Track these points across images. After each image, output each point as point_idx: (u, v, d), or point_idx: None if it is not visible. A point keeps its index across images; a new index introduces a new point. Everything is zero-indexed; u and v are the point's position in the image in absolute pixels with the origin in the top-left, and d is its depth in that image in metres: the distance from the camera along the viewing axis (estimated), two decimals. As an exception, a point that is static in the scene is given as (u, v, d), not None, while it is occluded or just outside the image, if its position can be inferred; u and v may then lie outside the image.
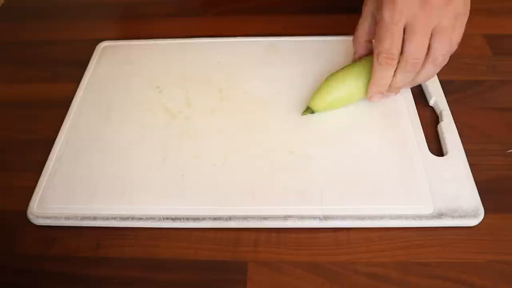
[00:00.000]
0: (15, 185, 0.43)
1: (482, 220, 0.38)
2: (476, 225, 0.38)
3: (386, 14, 0.38)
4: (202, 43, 0.55)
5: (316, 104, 0.45)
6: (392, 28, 0.38)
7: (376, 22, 0.40)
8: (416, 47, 0.38)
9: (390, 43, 0.39)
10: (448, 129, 0.44)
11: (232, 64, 0.52)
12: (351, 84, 0.44)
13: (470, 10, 0.60)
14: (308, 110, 0.45)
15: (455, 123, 0.44)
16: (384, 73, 0.41)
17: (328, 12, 0.59)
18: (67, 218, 0.39)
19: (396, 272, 0.36)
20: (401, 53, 0.39)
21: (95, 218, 0.39)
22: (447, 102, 0.46)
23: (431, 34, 0.38)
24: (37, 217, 0.40)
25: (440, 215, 0.38)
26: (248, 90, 0.49)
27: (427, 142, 0.43)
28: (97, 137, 0.45)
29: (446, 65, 0.51)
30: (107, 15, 0.62)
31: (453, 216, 0.38)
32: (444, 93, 0.47)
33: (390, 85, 0.42)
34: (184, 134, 0.45)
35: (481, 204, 0.38)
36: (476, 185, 0.39)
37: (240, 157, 0.43)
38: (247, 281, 0.36)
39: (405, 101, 0.46)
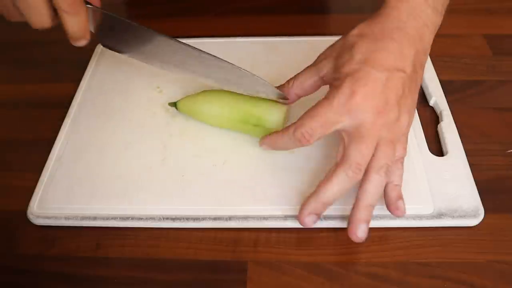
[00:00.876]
0: (15, 185, 0.43)
1: (482, 220, 0.38)
2: (476, 225, 0.38)
3: (336, 101, 0.35)
4: (202, 43, 0.55)
5: (180, 103, 0.45)
6: (332, 119, 0.35)
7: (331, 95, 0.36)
8: (360, 152, 0.35)
9: (317, 126, 0.36)
10: (448, 129, 0.44)
11: (232, 64, 0.52)
12: (223, 109, 0.43)
13: (470, 10, 0.60)
14: (173, 104, 0.45)
15: (455, 123, 0.44)
16: (289, 141, 0.37)
17: (328, 12, 0.59)
18: (67, 218, 0.39)
19: (396, 272, 0.36)
20: (342, 157, 0.36)
21: (95, 218, 0.39)
22: (447, 102, 0.46)
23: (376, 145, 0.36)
24: (37, 217, 0.40)
25: (440, 215, 0.38)
26: (248, 90, 0.49)
27: (427, 142, 0.43)
28: (97, 137, 0.45)
29: (446, 64, 0.51)
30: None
31: (453, 216, 0.38)
32: (444, 93, 0.47)
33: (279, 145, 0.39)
34: (184, 134, 0.45)
35: (481, 204, 0.38)
36: (476, 185, 0.39)
37: (240, 157, 0.43)
38: (247, 281, 0.36)
39: (405, 101, 0.46)
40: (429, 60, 0.50)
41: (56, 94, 0.51)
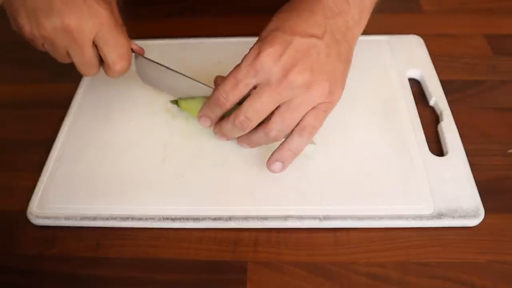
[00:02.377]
0: (15, 185, 0.43)
1: (482, 220, 0.38)
2: (476, 225, 0.38)
3: (244, 63, 0.36)
4: (202, 43, 0.55)
5: (182, 101, 0.45)
6: (241, 79, 0.36)
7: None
8: (252, 108, 0.36)
9: (229, 89, 0.37)
10: (448, 129, 0.44)
11: (232, 64, 0.51)
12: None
13: (471, 10, 0.60)
14: (175, 102, 0.46)
15: (455, 123, 0.44)
16: (213, 107, 0.39)
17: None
18: (67, 218, 0.39)
19: (396, 272, 0.36)
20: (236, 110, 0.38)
21: (95, 218, 0.39)
22: (447, 102, 0.46)
23: (277, 107, 0.37)
24: (37, 217, 0.40)
25: (440, 215, 0.38)
26: (248, 90, 0.49)
27: (427, 142, 0.43)
28: (97, 137, 0.45)
29: (446, 65, 0.51)
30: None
31: (453, 216, 0.38)
32: (444, 93, 0.47)
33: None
34: (184, 134, 0.45)
35: (481, 204, 0.38)
36: (476, 185, 0.39)
37: (240, 157, 0.43)
38: (247, 281, 0.36)
39: (405, 101, 0.46)
40: (429, 60, 0.50)
41: (56, 94, 0.51)
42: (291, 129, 0.38)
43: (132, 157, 0.43)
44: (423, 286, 0.35)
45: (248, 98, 0.37)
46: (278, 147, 0.39)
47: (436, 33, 0.55)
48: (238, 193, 0.40)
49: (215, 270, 0.37)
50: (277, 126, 0.37)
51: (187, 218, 0.39)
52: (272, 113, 0.37)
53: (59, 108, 0.48)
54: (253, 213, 0.39)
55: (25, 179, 0.43)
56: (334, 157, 0.42)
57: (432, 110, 0.47)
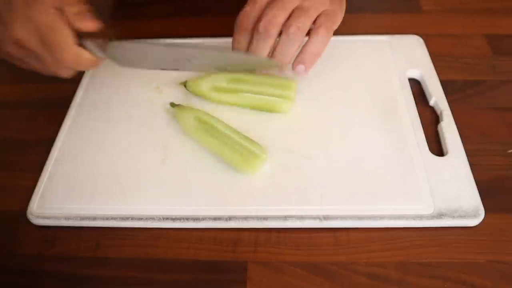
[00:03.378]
0: (15, 185, 0.43)
1: (482, 220, 0.38)
2: (476, 225, 0.38)
3: None
4: (202, 43, 0.55)
5: (190, 82, 0.47)
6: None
7: None
8: (271, 14, 0.40)
9: (248, 10, 0.41)
10: (448, 129, 0.44)
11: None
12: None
13: (471, 10, 0.60)
14: (174, 105, 0.46)
15: (455, 123, 0.44)
16: (238, 35, 0.43)
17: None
18: (67, 218, 0.39)
19: (396, 272, 0.36)
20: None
21: (95, 218, 0.39)
22: (447, 102, 0.46)
23: (292, 11, 0.41)
24: (37, 217, 0.40)
25: (440, 215, 0.38)
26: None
27: (427, 142, 0.43)
28: (97, 137, 0.45)
29: (446, 65, 0.51)
30: (107, 15, 0.62)
31: (453, 216, 0.38)
32: (444, 93, 0.47)
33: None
34: (184, 134, 0.45)
35: (481, 204, 0.38)
36: (476, 185, 0.39)
37: (240, 157, 0.43)
38: (247, 281, 0.36)
39: (405, 101, 0.46)
40: (429, 60, 0.50)
41: (56, 94, 0.51)
42: (307, 27, 0.41)
43: (132, 157, 0.43)
44: (423, 286, 0.35)
45: (265, 9, 0.41)
46: (300, 50, 0.43)
47: (436, 33, 0.55)
48: (238, 193, 0.40)
49: (215, 270, 0.37)
50: (294, 21, 0.40)
51: (187, 218, 0.39)
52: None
53: (59, 108, 0.48)
54: (253, 213, 0.39)
55: (25, 179, 0.43)
56: (334, 157, 0.42)
57: (432, 110, 0.47)
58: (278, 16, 0.40)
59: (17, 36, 0.38)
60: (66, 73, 0.42)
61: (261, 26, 0.40)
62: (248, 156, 0.40)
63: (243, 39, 0.43)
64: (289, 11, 0.41)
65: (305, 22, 0.41)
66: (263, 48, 0.42)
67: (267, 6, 0.41)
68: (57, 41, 0.38)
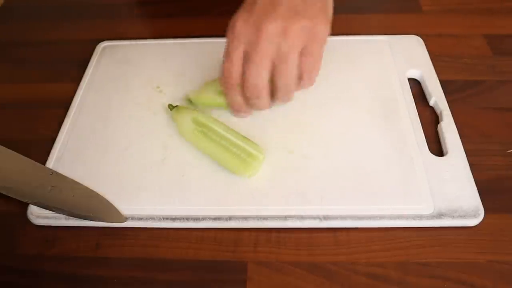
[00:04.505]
0: (15, 185, 0.43)
1: (482, 220, 0.38)
2: (476, 225, 0.38)
3: (228, 39, 0.38)
4: (202, 43, 0.55)
5: (194, 96, 0.47)
6: (231, 53, 0.38)
7: None
8: (251, 75, 0.37)
9: (228, 67, 0.38)
10: (448, 129, 0.44)
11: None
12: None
13: (470, 10, 0.60)
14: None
15: (455, 123, 0.44)
16: (230, 95, 0.40)
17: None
18: (67, 218, 0.39)
19: (396, 272, 0.36)
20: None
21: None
22: (447, 102, 0.46)
23: (273, 66, 0.37)
24: (37, 217, 0.40)
25: (440, 215, 0.38)
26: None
27: (427, 142, 0.43)
28: (97, 137, 0.45)
29: (446, 65, 0.51)
30: (107, 15, 0.62)
31: (453, 216, 0.38)
32: (444, 93, 0.47)
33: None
34: (184, 134, 0.45)
35: (481, 204, 0.38)
36: (476, 185, 0.39)
37: (240, 157, 0.43)
38: (247, 281, 0.36)
39: (405, 101, 0.46)
40: (429, 60, 0.50)
41: (56, 94, 0.51)
42: (295, 76, 0.39)
43: (132, 157, 0.43)
44: (423, 286, 0.35)
45: (244, 68, 0.38)
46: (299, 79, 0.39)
47: (436, 33, 0.55)
48: (238, 193, 0.40)
49: (215, 270, 0.37)
50: (281, 81, 0.38)
51: (187, 218, 0.39)
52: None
53: (59, 108, 0.48)
54: (253, 213, 0.39)
55: (25, 179, 0.43)
56: (334, 157, 0.42)
57: (432, 110, 0.47)
58: (259, 76, 0.38)
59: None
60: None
61: (249, 91, 0.39)
62: (245, 159, 0.40)
63: (238, 97, 0.40)
64: (269, 65, 0.37)
65: (292, 76, 0.38)
66: (262, 105, 0.40)
67: (245, 61, 0.38)
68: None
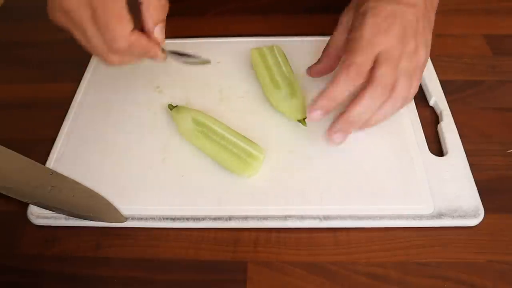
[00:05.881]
0: (15, 185, 0.43)
1: (482, 220, 0.38)
2: (476, 225, 0.38)
3: (367, 32, 0.37)
4: (202, 43, 0.55)
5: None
6: (369, 47, 0.36)
7: (351, 37, 0.38)
8: (387, 72, 0.36)
9: (363, 59, 0.36)
10: (448, 129, 0.44)
11: (232, 64, 0.52)
12: None
13: (471, 10, 0.60)
14: (172, 107, 0.45)
15: (455, 123, 0.44)
16: (344, 87, 0.37)
17: (328, 12, 0.59)
18: (67, 218, 0.39)
19: (396, 272, 0.36)
20: (369, 79, 0.37)
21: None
22: (447, 102, 0.46)
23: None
24: (37, 217, 0.40)
25: (440, 215, 0.38)
26: (248, 90, 0.49)
27: (427, 142, 0.43)
28: (97, 137, 0.45)
29: (446, 65, 0.51)
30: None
31: (453, 216, 0.38)
32: (444, 93, 0.47)
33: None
34: (184, 134, 0.45)
35: (481, 204, 0.38)
36: (476, 185, 0.39)
37: (240, 157, 0.43)
38: (247, 281, 0.36)
39: (405, 101, 0.46)
40: (429, 60, 0.50)
41: (56, 94, 0.51)
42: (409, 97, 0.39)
43: (132, 157, 0.43)
44: (423, 286, 0.35)
45: (379, 65, 0.36)
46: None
47: (436, 33, 0.55)
48: (238, 193, 0.40)
49: (215, 270, 0.37)
50: (401, 92, 0.37)
51: (187, 218, 0.39)
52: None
53: (59, 108, 0.48)
54: (253, 213, 0.39)
55: (25, 179, 0.43)
56: (334, 157, 0.42)
57: (432, 110, 0.47)
58: (368, 110, 0.37)
59: (66, 6, 0.34)
60: (113, 60, 0.38)
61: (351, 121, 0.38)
62: (246, 159, 0.40)
63: (328, 105, 0.38)
64: (387, 94, 0.37)
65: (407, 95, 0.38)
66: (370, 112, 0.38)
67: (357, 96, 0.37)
68: (111, 20, 0.35)
